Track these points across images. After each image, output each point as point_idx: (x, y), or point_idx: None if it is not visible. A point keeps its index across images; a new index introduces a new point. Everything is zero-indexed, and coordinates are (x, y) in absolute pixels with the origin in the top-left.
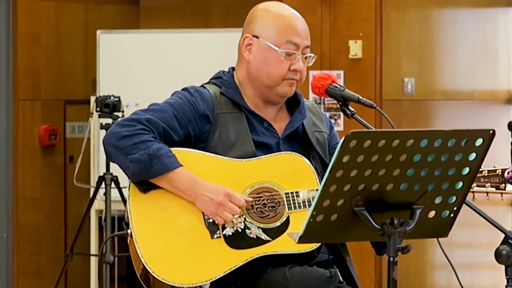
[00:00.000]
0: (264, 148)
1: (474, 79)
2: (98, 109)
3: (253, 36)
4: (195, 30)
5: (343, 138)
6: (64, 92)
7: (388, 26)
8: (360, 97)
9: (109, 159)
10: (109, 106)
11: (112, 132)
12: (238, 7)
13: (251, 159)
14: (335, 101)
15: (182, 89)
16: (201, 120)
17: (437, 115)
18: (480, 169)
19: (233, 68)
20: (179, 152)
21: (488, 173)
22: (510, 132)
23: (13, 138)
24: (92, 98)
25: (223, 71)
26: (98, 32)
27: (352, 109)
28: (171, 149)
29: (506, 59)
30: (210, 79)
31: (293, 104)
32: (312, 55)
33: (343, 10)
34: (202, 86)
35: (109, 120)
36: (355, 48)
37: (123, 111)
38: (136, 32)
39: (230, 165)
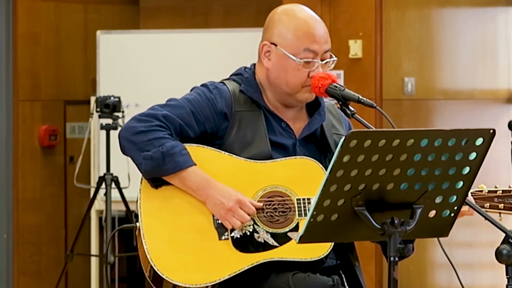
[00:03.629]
0: (280, 149)
1: (474, 78)
2: (98, 109)
3: (271, 43)
4: (195, 30)
5: (343, 138)
6: (64, 93)
7: (388, 25)
8: (360, 97)
9: (122, 152)
10: (109, 107)
11: (128, 126)
12: (238, 7)
13: (265, 161)
14: (335, 101)
15: (201, 85)
16: (218, 118)
17: (437, 115)
18: (495, 189)
19: (255, 65)
20: (194, 149)
21: (502, 193)
22: (510, 132)
23: (13, 138)
24: (92, 99)
25: (245, 68)
26: (98, 32)
27: (352, 109)
28: (186, 145)
29: (506, 58)
30: (231, 75)
31: (313, 105)
32: (332, 59)
33: (343, 10)
34: (221, 82)
35: (109, 121)
36: (355, 48)
37: (123, 112)
38: (136, 32)
39: (244, 166)
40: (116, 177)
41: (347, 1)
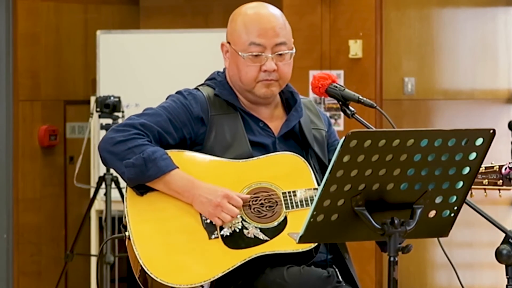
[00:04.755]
0: (260, 148)
1: (474, 78)
2: (98, 109)
3: (227, 42)
4: (195, 30)
5: (344, 137)
6: (64, 92)
7: (388, 25)
8: (360, 97)
9: (104, 164)
10: (109, 107)
11: (107, 138)
12: (238, 7)
13: (248, 159)
14: (335, 101)
15: (176, 92)
16: (195, 123)
17: (437, 115)
18: None
19: None
20: (175, 154)
21: (485, 169)
22: (510, 132)
23: (13, 138)
24: (92, 98)
25: (218, 72)
26: (98, 32)
27: (352, 109)
28: (167, 151)
29: (506, 58)
30: (205, 80)
31: (290, 103)
32: (288, 51)
33: (343, 10)
34: (196, 88)
35: (109, 121)
36: (355, 48)
37: (123, 112)
38: (136, 32)
39: (226, 166)
40: (116, 177)
41: (347, 1)
